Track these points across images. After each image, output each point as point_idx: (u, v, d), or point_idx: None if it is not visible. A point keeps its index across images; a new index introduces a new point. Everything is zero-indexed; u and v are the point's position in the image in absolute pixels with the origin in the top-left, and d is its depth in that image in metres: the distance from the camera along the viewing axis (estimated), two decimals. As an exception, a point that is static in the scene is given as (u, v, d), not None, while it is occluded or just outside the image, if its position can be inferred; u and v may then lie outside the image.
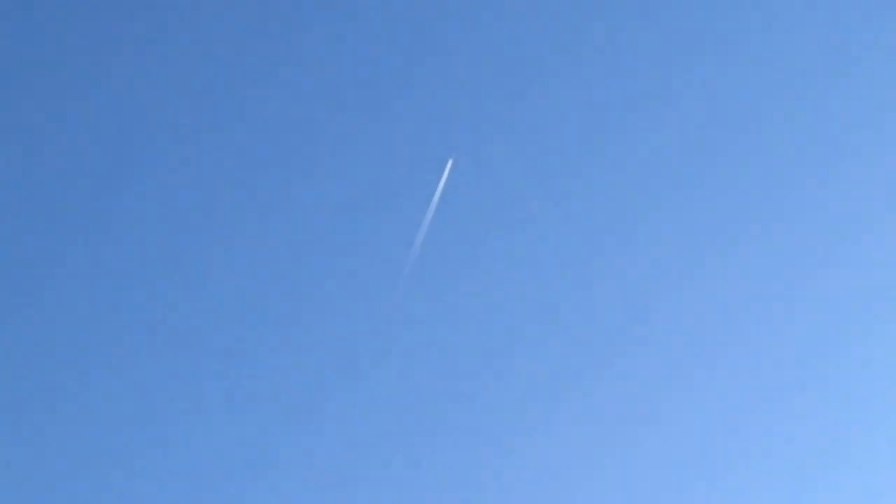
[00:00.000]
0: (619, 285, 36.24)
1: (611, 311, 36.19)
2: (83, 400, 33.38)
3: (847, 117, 25.25)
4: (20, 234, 33.88)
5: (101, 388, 33.68)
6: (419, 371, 35.43)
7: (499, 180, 37.05)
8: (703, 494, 29.20)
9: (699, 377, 32.25)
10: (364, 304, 35.84)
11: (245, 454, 34.04)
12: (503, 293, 36.45)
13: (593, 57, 36.22)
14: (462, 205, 36.83)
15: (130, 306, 35.29)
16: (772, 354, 31.07)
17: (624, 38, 36.18)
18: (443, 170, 33.41)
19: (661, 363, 33.66)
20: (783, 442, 29.48)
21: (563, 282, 36.60)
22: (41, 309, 34.19)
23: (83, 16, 32.88)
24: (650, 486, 31.05)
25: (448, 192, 33.87)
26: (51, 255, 34.72)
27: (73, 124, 34.25)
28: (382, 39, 36.10)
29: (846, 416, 30.49)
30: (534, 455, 33.42)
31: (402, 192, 36.33)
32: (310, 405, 35.20)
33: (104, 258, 35.89)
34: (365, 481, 33.72)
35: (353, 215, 36.48)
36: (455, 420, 34.57)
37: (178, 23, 36.45)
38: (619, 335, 35.92)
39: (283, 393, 34.87)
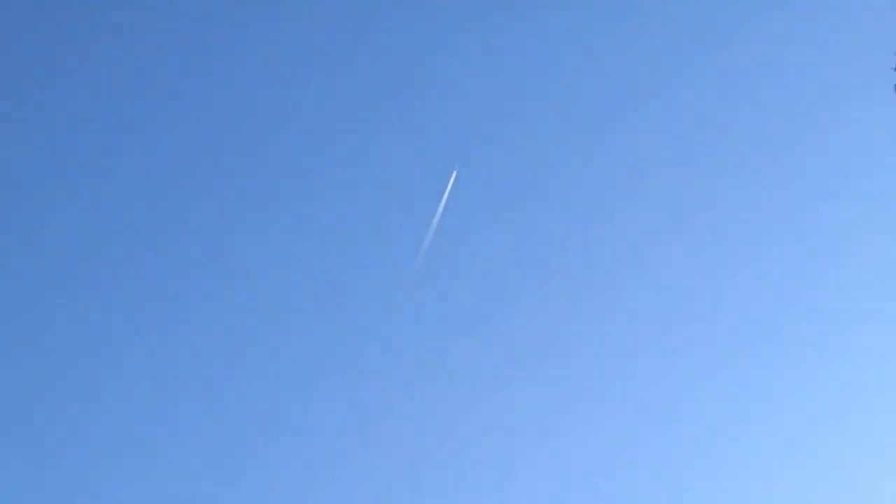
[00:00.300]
0: (617, 287, 36.55)
1: (608, 305, 36.48)
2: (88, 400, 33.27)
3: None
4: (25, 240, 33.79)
5: (115, 388, 33.61)
6: (425, 362, 35.71)
7: (498, 187, 37.45)
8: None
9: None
10: (377, 299, 36.13)
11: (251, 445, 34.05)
12: (505, 288, 36.72)
13: (590, 72, 36.62)
14: (466, 209, 37.29)
15: (153, 308, 35.30)
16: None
17: (623, 53, 36.63)
18: (448, 178, 34.22)
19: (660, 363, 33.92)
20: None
21: (560, 280, 36.91)
22: (42, 308, 34.09)
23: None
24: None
25: (453, 198, 34.50)
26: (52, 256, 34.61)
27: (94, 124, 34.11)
28: (402, 63, 36.51)
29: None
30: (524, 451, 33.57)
31: (413, 197, 36.86)
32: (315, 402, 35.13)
33: (125, 257, 35.90)
34: (366, 481, 33.77)
35: (371, 217, 36.94)
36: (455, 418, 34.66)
37: (206, 37, 36.53)
38: (617, 334, 36.16)
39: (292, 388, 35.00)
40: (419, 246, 34.58)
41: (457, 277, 37.48)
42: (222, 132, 38.33)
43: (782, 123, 34.87)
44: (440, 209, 33.84)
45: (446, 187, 33.01)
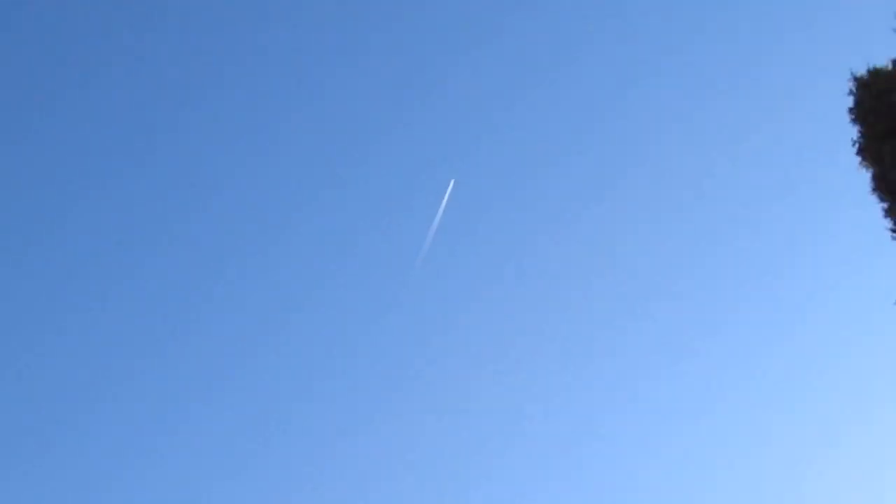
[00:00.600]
0: (612, 292, 36.51)
1: (603, 315, 36.44)
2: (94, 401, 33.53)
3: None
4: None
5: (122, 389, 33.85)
6: (426, 359, 35.85)
7: (493, 197, 37.51)
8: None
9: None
10: (377, 303, 36.28)
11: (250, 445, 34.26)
12: (500, 294, 36.77)
13: (590, 71, 36.49)
14: (462, 218, 37.39)
15: (152, 307, 35.56)
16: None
17: (619, 66, 36.49)
18: (446, 188, 34.33)
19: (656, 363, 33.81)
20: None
21: (555, 286, 36.91)
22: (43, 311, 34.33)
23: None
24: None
25: (450, 208, 34.62)
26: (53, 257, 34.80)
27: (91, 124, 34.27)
28: (401, 78, 36.57)
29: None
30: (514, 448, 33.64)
31: (411, 206, 36.98)
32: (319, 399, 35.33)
33: (131, 264, 36.14)
34: (366, 480, 33.91)
35: (372, 225, 37.08)
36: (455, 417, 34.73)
37: (214, 50, 36.67)
38: (612, 333, 36.15)
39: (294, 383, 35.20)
40: (419, 246, 34.63)
41: (456, 277, 37.52)
42: (222, 132, 38.42)
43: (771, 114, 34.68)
44: (440, 210, 33.84)
45: (446, 188, 33.02)
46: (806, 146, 33.83)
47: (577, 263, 36.78)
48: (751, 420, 35.53)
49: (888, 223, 16.08)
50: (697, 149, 35.95)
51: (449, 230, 34.84)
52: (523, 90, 36.27)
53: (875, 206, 16.12)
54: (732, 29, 34.84)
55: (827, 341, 35.65)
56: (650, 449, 35.90)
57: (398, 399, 37.51)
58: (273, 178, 38.10)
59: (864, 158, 16.11)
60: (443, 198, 33.46)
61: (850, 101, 16.24)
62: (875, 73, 16.07)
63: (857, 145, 16.16)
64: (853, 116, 16.19)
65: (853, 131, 16.23)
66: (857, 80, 16.17)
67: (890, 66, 16.07)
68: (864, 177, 16.16)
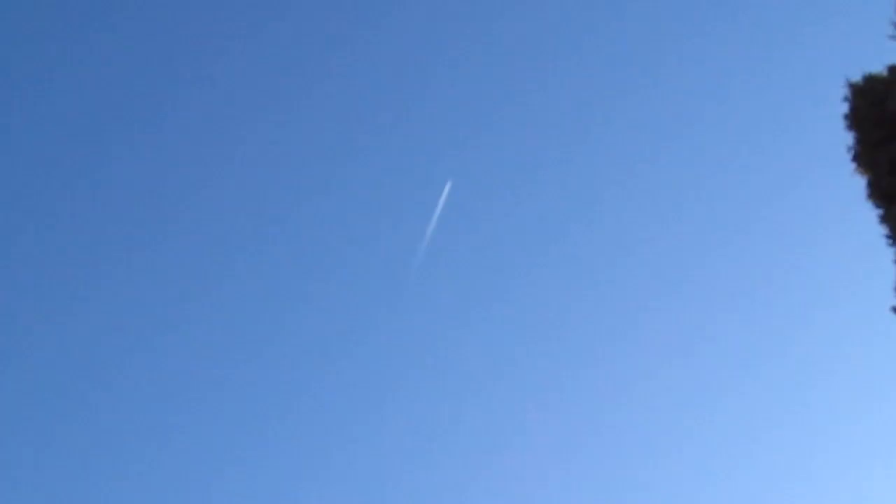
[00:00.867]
0: (609, 289, 36.51)
1: (603, 315, 36.49)
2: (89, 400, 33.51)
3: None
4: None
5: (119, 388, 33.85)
6: (424, 360, 35.87)
7: (490, 198, 37.52)
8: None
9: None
10: (373, 304, 36.27)
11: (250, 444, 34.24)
12: (497, 294, 36.78)
13: (589, 71, 36.51)
14: (459, 219, 37.41)
15: (152, 307, 35.55)
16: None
17: (616, 72, 36.51)
18: (442, 190, 34.37)
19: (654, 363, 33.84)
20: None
21: (554, 286, 36.89)
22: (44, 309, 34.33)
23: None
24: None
25: (447, 209, 34.65)
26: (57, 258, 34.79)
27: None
28: (401, 80, 36.64)
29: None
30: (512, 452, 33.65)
31: (408, 208, 37.03)
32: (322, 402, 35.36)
33: (136, 262, 36.14)
34: (367, 481, 33.84)
35: (368, 226, 37.12)
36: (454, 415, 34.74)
37: (211, 56, 36.71)
38: (609, 331, 36.16)
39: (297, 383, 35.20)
40: (416, 247, 34.66)
41: (453, 278, 37.51)
42: (217, 131, 38.41)
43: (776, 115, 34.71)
44: (437, 211, 33.84)
45: (443, 189, 33.04)
46: (801, 153, 33.86)
47: (577, 263, 36.82)
48: (748, 422, 35.54)
49: (884, 230, 16.07)
50: (692, 155, 36.00)
51: (445, 231, 34.88)
52: (521, 90, 36.33)
53: (870, 213, 16.11)
54: (727, 36, 34.90)
55: (823, 348, 35.66)
56: (650, 449, 35.92)
57: (395, 400, 37.53)
58: (270, 179, 38.13)
59: (859, 165, 16.10)
60: (439, 199, 33.51)
61: (845, 108, 16.24)
62: (871, 80, 16.06)
63: (852, 152, 16.15)
64: (848, 123, 16.17)
65: (848, 138, 16.21)
66: (852, 86, 16.16)
67: (885, 73, 16.06)
68: (860, 183, 16.15)
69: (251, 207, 38.14)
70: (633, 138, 36.50)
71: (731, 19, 34.58)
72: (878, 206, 16.03)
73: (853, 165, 16.17)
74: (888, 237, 15.93)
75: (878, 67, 16.14)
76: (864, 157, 15.97)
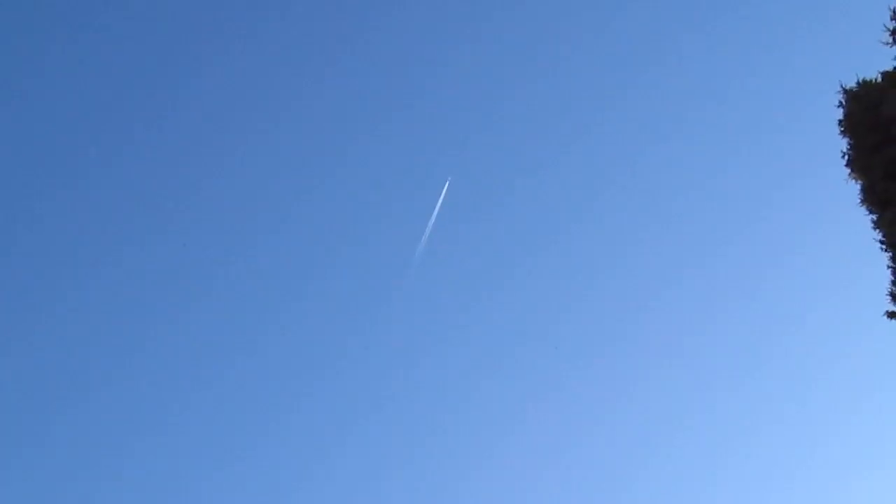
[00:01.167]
0: (607, 288, 36.48)
1: (602, 315, 36.43)
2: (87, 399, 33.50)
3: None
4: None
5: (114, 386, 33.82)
6: (422, 358, 35.82)
7: (489, 196, 37.49)
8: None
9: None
10: (373, 302, 36.26)
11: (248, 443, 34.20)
12: (496, 293, 36.74)
13: (583, 86, 36.52)
14: (458, 217, 37.36)
15: (151, 307, 35.52)
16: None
17: (614, 73, 36.50)
18: (441, 188, 34.32)
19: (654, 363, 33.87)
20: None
21: (553, 285, 36.87)
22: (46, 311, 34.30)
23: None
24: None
25: (446, 207, 34.60)
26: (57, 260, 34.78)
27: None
28: (401, 80, 36.62)
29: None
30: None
31: (407, 205, 36.96)
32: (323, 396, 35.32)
33: (128, 256, 36.10)
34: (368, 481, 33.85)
35: (371, 222, 37.07)
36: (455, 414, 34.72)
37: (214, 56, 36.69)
38: (607, 331, 36.13)
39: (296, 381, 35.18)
40: (415, 245, 34.70)
41: (453, 275, 37.55)
42: (216, 128, 38.43)
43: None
44: (436, 209, 33.90)
45: (442, 187, 33.10)
46: (795, 158, 33.91)
47: (576, 263, 36.86)
48: (743, 425, 35.56)
49: (877, 235, 16.11)
50: (687, 159, 36.04)
51: (445, 229, 34.91)
52: (521, 89, 36.36)
53: (864, 218, 16.15)
54: (722, 41, 34.95)
55: (818, 352, 35.71)
56: (648, 448, 35.95)
57: (393, 398, 37.54)
58: (268, 177, 38.13)
59: (853, 170, 16.14)
60: (439, 197, 33.54)
61: (839, 113, 16.27)
62: (865, 86, 16.08)
63: (846, 157, 16.19)
64: (843, 128, 16.21)
65: (843, 143, 16.25)
66: (846, 92, 16.19)
67: (879, 79, 16.09)
68: (854, 188, 16.19)
69: (250, 206, 38.18)
70: (629, 140, 36.57)
71: (726, 24, 34.65)
72: (872, 211, 16.07)
73: (847, 170, 16.21)
74: (882, 242, 15.98)
75: (873, 73, 16.18)
76: (859, 162, 16.01)
